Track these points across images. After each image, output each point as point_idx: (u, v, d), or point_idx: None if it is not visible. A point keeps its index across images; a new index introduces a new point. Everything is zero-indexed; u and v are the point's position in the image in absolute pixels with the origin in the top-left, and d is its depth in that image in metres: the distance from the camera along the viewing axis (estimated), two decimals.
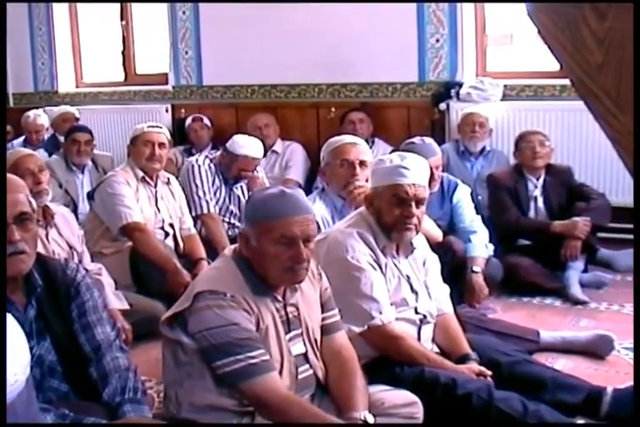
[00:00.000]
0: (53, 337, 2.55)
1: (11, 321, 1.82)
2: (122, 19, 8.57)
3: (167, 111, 7.75)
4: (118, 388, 2.51)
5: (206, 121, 7.23)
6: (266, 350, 2.59)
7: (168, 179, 4.99)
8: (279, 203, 2.61)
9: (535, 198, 5.27)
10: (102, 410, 2.45)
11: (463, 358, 3.26)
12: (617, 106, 1.09)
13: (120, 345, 2.65)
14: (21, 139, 7.64)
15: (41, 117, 7.61)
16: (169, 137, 4.99)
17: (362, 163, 4.01)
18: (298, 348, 2.76)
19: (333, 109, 6.90)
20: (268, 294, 2.69)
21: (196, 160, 5.36)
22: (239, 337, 2.55)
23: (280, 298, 2.73)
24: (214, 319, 2.56)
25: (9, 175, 2.65)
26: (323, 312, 2.88)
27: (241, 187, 5.42)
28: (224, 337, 2.54)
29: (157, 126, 4.96)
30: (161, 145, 4.82)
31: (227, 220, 5.38)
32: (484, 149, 6.03)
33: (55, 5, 8.72)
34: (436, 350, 3.35)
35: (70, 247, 4.07)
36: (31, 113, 7.69)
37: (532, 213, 5.27)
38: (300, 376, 2.74)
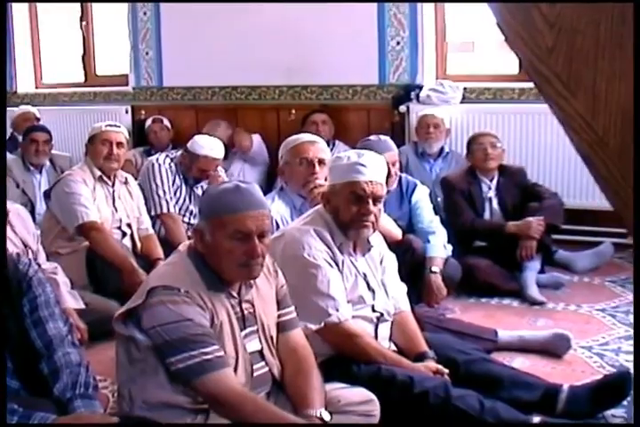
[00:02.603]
0: (5, 333, 2.51)
1: None
2: (82, 19, 8.50)
3: (127, 112, 7.69)
4: (69, 383, 2.48)
5: (166, 122, 7.21)
6: (220, 346, 2.57)
7: (126, 178, 4.95)
8: (233, 198, 2.59)
9: (490, 200, 5.30)
10: (52, 406, 2.41)
11: (420, 357, 3.25)
12: (567, 89, 1.09)
13: (72, 340, 2.61)
14: None
15: None
16: (127, 136, 4.95)
17: (320, 161, 4.00)
18: (253, 345, 2.74)
19: (294, 111, 6.89)
20: (223, 290, 2.67)
21: (157, 159, 5.32)
22: (193, 333, 2.52)
23: (235, 294, 2.71)
24: (168, 315, 2.53)
25: None
26: (278, 309, 2.86)
27: (202, 187, 5.39)
28: (178, 333, 2.51)
29: (115, 126, 4.92)
30: (119, 144, 4.78)
31: (186, 220, 5.34)
32: (442, 150, 6.06)
33: (15, 5, 8.62)
34: (394, 348, 3.34)
35: (25, 246, 4.02)
36: None
37: (487, 215, 5.29)
38: (255, 374, 2.72)
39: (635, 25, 1.02)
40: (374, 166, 3.27)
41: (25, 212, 4.28)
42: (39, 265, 2.71)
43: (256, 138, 6.69)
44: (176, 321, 2.52)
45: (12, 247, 3.93)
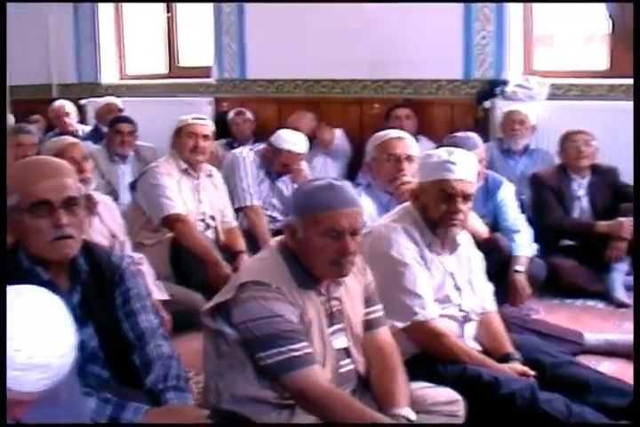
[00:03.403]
0: (96, 323, 2.54)
1: (58, 303, 1.82)
2: (167, 11, 8.59)
3: (210, 104, 7.75)
4: (161, 375, 2.50)
5: (249, 115, 7.22)
6: (308, 343, 2.57)
7: (210, 171, 4.98)
8: (327, 195, 2.58)
9: (579, 198, 5.20)
10: (145, 397, 2.44)
11: (506, 358, 3.21)
12: None
13: (163, 333, 2.63)
14: (55, 131, 7.69)
15: (67, 106, 7.66)
16: (213, 129, 4.98)
17: (408, 157, 3.97)
18: (340, 342, 2.73)
19: (377, 106, 6.86)
20: (313, 287, 2.67)
21: (241, 152, 5.36)
22: (283, 329, 2.53)
23: (324, 291, 2.70)
24: (258, 310, 2.54)
25: (57, 160, 2.66)
26: (366, 307, 2.84)
27: (284, 181, 5.41)
28: (268, 329, 2.52)
29: (202, 118, 4.96)
30: (205, 137, 4.81)
31: (269, 213, 5.36)
32: (527, 147, 5.97)
33: None
34: (479, 348, 3.30)
35: (112, 236, 4.07)
36: (56, 102, 7.76)
37: (576, 214, 5.20)
38: (341, 370, 2.71)
39: (635, 25, 0.99)
40: (464, 164, 3.24)
41: (112, 202, 4.34)
42: (131, 257, 2.72)
43: (338, 132, 6.68)
44: (266, 317, 2.53)
45: (100, 238, 3.98)
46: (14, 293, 1.77)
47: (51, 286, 2.42)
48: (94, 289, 2.56)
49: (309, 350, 2.55)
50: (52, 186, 2.42)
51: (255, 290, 2.56)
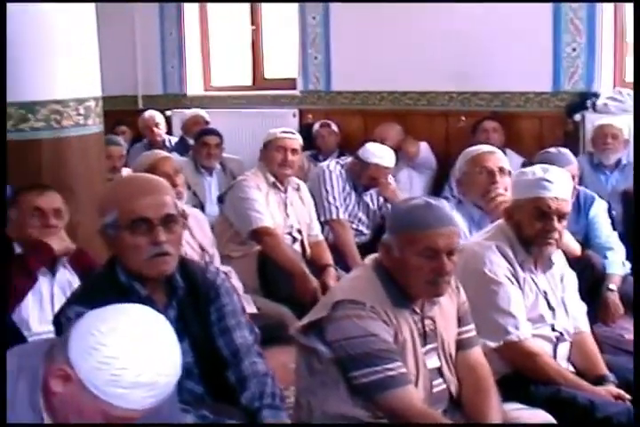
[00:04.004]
0: (192, 339, 2.56)
1: (164, 321, 1.83)
2: (252, 23, 8.66)
3: (295, 116, 7.78)
4: (257, 393, 2.51)
5: (334, 127, 7.23)
6: (402, 362, 2.55)
7: (298, 185, 5.00)
8: (424, 214, 2.56)
9: None
10: (241, 414, 2.45)
11: (600, 380, 3.13)
12: None
13: (258, 350, 2.64)
14: (143, 141, 7.81)
15: (157, 117, 7.77)
16: (301, 143, 5.00)
17: (501, 170, 3.94)
18: (433, 362, 2.70)
19: (463, 118, 6.80)
20: (407, 306, 2.65)
21: (328, 166, 5.36)
22: (377, 348, 2.51)
23: (418, 310, 2.68)
24: (353, 329, 2.52)
25: (155, 177, 2.69)
26: (459, 326, 2.81)
27: (370, 194, 5.40)
28: (362, 348, 2.51)
29: (290, 132, 4.98)
30: (293, 151, 4.84)
31: (354, 226, 5.36)
32: (619, 162, 5.85)
33: (186, 9, 8.88)
34: (572, 369, 3.23)
35: (202, 249, 4.11)
36: (147, 112, 7.88)
37: None
38: (433, 390, 2.69)
39: (635, 25, 0.94)
40: (560, 182, 3.19)
41: (202, 216, 4.39)
42: (226, 274, 2.74)
43: (423, 145, 6.64)
44: (361, 336, 2.52)
45: (190, 251, 4.03)
46: (119, 311, 1.80)
47: (148, 302, 2.46)
48: (190, 305, 2.58)
49: (404, 370, 2.53)
50: (152, 203, 2.45)
51: (350, 309, 2.55)
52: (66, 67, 3.97)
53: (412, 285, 2.60)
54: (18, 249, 3.49)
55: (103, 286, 2.52)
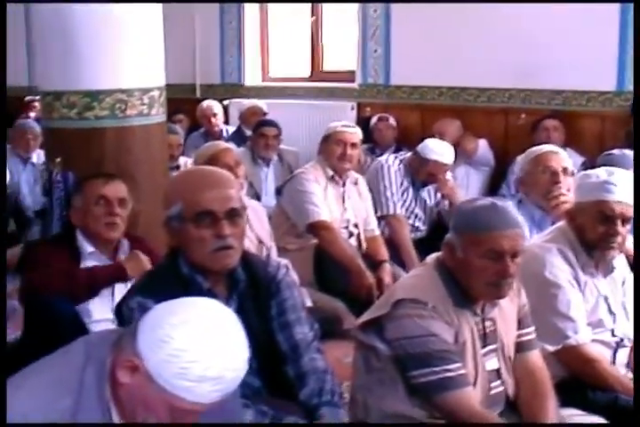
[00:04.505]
0: (251, 333, 2.53)
1: (232, 316, 1.84)
2: (312, 14, 8.65)
3: (352, 109, 7.75)
4: (316, 389, 2.51)
5: (392, 121, 7.19)
6: (462, 363, 2.54)
7: (357, 179, 4.98)
8: (489, 215, 2.54)
9: None
10: (299, 410, 2.45)
11: None
12: None
13: (317, 346, 2.63)
14: (200, 130, 7.86)
15: (214, 107, 7.81)
16: (361, 137, 4.99)
17: (564, 170, 3.89)
18: (492, 363, 2.69)
19: (523, 116, 6.72)
20: (468, 307, 2.64)
21: (386, 160, 5.35)
22: (437, 349, 2.51)
23: (479, 312, 2.67)
24: (414, 329, 2.52)
25: (221, 170, 2.70)
26: (519, 329, 2.79)
27: (428, 190, 5.38)
28: (422, 347, 2.51)
29: (351, 126, 4.97)
30: (353, 145, 4.83)
31: (410, 222, 5.34)
32: None
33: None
34: (631, 376, 3.19)
35: (260, 242, 4.12)
36: (204, 102, 7.92)
37: None
38: (491, 392, 2.68)
39: (635, 25, 0.90)
40: (625, 185, 3.13)
41: (261, 208, 4.39)
42: (287, 268, 2.74)
43: (481, 142, 6.59)
44: (421, 336, 2.51)
45: (248, 243, 4.02)
46: (189, 304, 1.81)
47: (210, 294, 2.47)
48: (250, 299, 2.59)
49: (463, 371, 2.53)
50: (217, 197, 2.46)
51: (411, 308, 2.54)
52: (131, 56, 4.00)
53: (474, 286, 2.59)
54: (80, 237, 3.53)
55: (165, 277, 2.53)
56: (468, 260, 2.56)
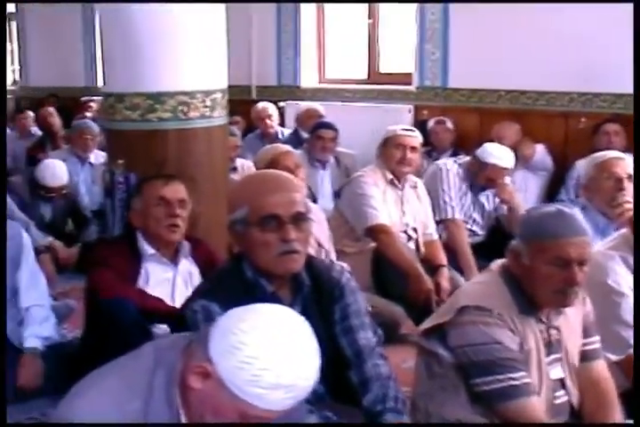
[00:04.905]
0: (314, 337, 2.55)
1: (304, 324, 1.83)
2: (369, 17, 8.64)
3: (409, 112, 7.72)
4: (380, 396, 2.48)
5: (449, 124, 7.15)
6: (526, 372, 2.51)
7: (415, 183, 4.96)
8: (556, 223, 2.51)
9: None
10: (363, 416, 2.44)
11: None
12: None
13: (381, 352, 2.62)
14: (256, 132, 7.89)
15: (270, 108, 7.84)
16: (421, 141, 4.96)
17: (630, 177, 3.83)
18: (556, 372, 2.66)
19: (583, 120, 6.63)
20: (534, 315, 2.61)
21: (445, 164, 5.31)
22: (502, 357, 2.48)
23: (544, 319, 2.63)
24: (478, 336, 2.50)
25: (286, 174, 2.69)
26: (584, 337, 2.75)
27: (487, 195, 5.33)
28: (486, 355, 2.49)
29: (410, 130, 4.94)
30: (413, 149, 4.80)
31: (468, 227, 5.29)
32: None
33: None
34: None
35: (319, 245, 4.11)
36: (260, 104, 7.94)
37: None
38: (555, 402, 2.65)
39: (635, 25, 0.86)
40: None
41: (320, 211, 4.38)
42: (351, 274, 2.72)
43: (539, 147, 6.51)
44: (486, 343, 2.49)
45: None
46: (262, 310, 1.80)
47: (274, 298, 2.47)
48: (314, 303, 2.58)
49: (528, 380, 2.50)
50: (282, 201, 2.44)
51: (476, 315, 2.52)
52: (194, 58, 4.01)
53: (540, 293, 2.56)
54: (141, 238, 3.55)
55: (229, 281, 2.53)
56: (535, 267, 2.53)
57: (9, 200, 5.50)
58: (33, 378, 3.59)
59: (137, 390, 1.80)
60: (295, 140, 7.15)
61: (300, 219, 2.46)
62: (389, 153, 4.79)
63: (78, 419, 1.77)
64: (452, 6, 7.46)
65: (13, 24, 13.70)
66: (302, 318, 1.83)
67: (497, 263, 2.73)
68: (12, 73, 14.26)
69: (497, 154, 5.17)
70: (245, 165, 6.08)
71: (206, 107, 4.02)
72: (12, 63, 14.12)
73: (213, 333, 1.74)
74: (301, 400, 2.00)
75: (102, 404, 1.78)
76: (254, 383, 1.67)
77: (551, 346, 2.64)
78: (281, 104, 8.56)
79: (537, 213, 2.60)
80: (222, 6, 4.18)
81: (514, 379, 2.46)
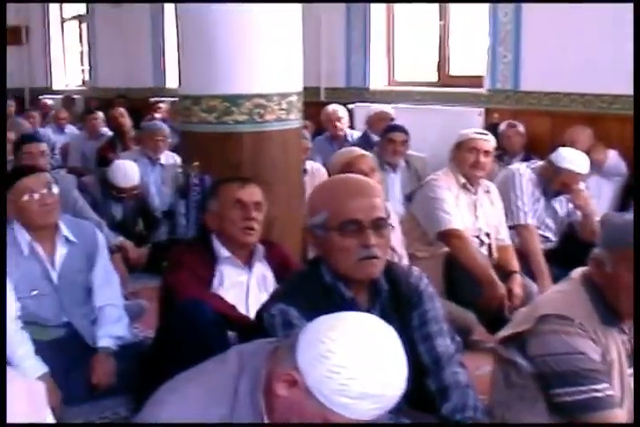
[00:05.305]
0: None
1: (393, 333, 1.81)
2: (440, 18, 8.59)
3: (480, 115, 7.65)
4: (459, 405, 2.45)
5: (520, 128, 7.05)
6: (609, 384, 2.46)
7: (488, 187, 4.90)
8: None
9: None
10: (441, 424, 2.41)
11: None
12: None
13: (460, 360, 2.59)
14: (325, 134, 7.88)
15: (339, 111, 7.82)
16: (495, 145, 4.90)
17: None
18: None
19: None
20: (616, 325, 2.56)
21: (518, 169, 5.24)
22: (585, 367, 2.43)
23: (627, 330, 2.58)
24: (560, 345, 2.45)
25: (366, 179, 2.67)
26: None
27: (560, 200, 5.25)
28: (568, 365, 2.44)
29: (484, 133, 4.89)
30: (486, 153, 4.74)
31: (540, 232, 5.22)
32: None
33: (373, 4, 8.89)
34: None
35: (392, 249, 4.08)
36: (330, 106, 7.93)
37: None
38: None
39: (635, 25, 0.80)
40: None
41: (394, 215, 4.34)
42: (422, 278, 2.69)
43: (611, 153, 6.39)
44: (568, 353, 2.45)
45: None
46: (351, 319, 1.79)
47: (352, 303, 2.46)
48: (392, 309, 2.55)
49: (611, 393, 2.45)
50: (363, 206, 2.43)
51: (557, 324, 2.48)
52: (270, 61, 4.02)
53: (623, 303, 2.50)
54: (216, 241, 3.55)
55: (307, 285, 2.52)
56: (618, 275, 2.47)
57: (82, 200, 5.58)
58: (106, 377, 3.62)
59: (222, 396, 1.80)
60: (365, 142, 7.11)
61: (380, 224, 2.44)
62: (462, 157, 4.74)
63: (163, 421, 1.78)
64: (524, 7, 7.37)
65: (84, 26, 13.94)
66: (390, 327, 1.81)
67: (578, 271, 2.67)
68: (81, 73, 14.50)
69: (572, 159, 5.09)
70: (315, 168, 6.06)
71: (282, 110, 4.02)
72: (82, 64, 14.36)
73: (301, 340, 1.73)
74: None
75: (187, 409, 1.78)
76: (342, 393, 1.66)
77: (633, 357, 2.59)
78: (350, 106, 8.54)
79: (620, 220, 2.54)
80: (298, 7, 4.18)
81: (597, 391, 2.41)
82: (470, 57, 8.45)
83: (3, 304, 3.39)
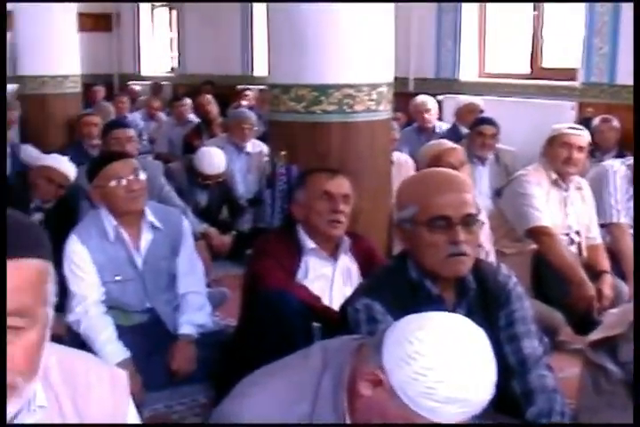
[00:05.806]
0: None
1: (484, 337, 1.75)
2: (534, 9, 8.42)
3: (572, 109, 7.48)
4: (545, 409, 2.38)
5: (615, 123, 6.85)
6: None
7: (580, 184, 4.77)
8: None
9: None
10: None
11: None
12: None
13: (547, 363, 2.51)
14: (413, 125, 7.81)
15: (428, 102, 7.72)
16: (589, 140, 4.77)
17: None
18: None
19: None
20: None
21: (612, 166, 5.07)
22: None
23: None
24: None
25: (458, 174, 2.62)
26: None
27: None
28: None
29: (578, 128, 4.76)
30: (580, 149, 4.61)
31: (631, 232, 5.06)
32: None
33: None
34: None
35: (478, 245, 4.00)
36: (419, 97, 7.83)
37: None
38: None
39: (635, 25, 0.69)
40: None
41: (483, 211, 4.26)
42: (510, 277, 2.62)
43: None
44: None
45: None
46: (438, 319, 1.74)
47: (438, 300, 2.41)
48: (479, 308, 2.51)
49: None
50: (453, 201, 2.38)
51: None
52: (361, 50, 3.97)
53: None
54: (301, 231, 3.52)
55: (393, 280, 2.49)
56: None
57: (168, 187, 5.60)
58: (185, 364, 3.64)
59: (304, 392, 1.77)
60: (453, 135, 7.01)
61: (470, 221, 2.40)
62: (555, 152, 4.62)
63: (244, 419, 1.75)
64: None
65: (173, 13, 14.07)
66: (481, 330, 1.76)
67: None
68: (169, 60, 14.66)
69: None
70: (402, 159, 5.99)
71: (372, 100, 3.97)
72: (171, 51, 14.51)
73: (388, 339, 1.69)
74: None
75: (269, 404, 1.76)
76: (428, 396, 1.61)
77: None
78: (439, 98, 8.44)
79: None
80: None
81: None
82: (564, 49, 8.27)
83: (2, 304, 3.42)
